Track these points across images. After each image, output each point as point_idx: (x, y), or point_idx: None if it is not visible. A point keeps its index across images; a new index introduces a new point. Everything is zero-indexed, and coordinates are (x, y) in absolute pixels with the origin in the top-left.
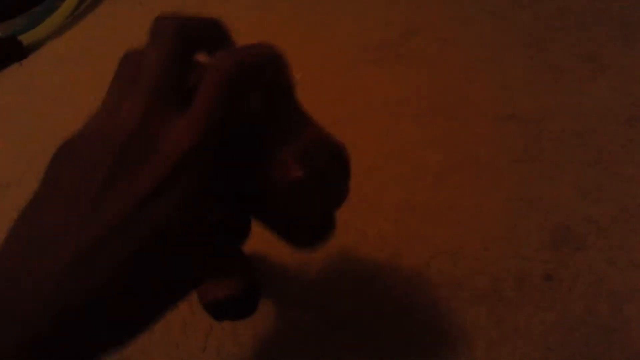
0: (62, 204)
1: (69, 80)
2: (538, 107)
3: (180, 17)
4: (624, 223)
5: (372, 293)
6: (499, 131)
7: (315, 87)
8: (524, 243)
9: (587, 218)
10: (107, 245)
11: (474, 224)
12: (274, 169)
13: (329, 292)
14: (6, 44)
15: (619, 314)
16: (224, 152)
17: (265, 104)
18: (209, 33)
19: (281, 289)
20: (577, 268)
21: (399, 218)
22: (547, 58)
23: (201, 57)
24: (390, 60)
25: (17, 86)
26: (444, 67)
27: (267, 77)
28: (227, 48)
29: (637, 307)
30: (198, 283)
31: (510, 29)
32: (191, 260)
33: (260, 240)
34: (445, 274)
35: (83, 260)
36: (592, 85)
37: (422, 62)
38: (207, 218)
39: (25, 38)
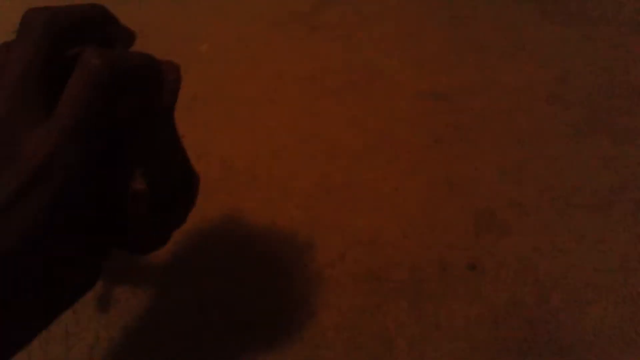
0: None
1: None
2: (459, 84)
3: (50, 9)
4: (548, 206)
5: (282, 289)
6: (418, 109)
7: (223, 61)
8: (445, 229)
9: (511, 201)
10: None
11: (393, 210)
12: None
13: (232, 290)
14: None
15: (546, 304)
16: (91, 159)
17: (134, 114)
18: (86, 23)
19: (180, 284)
20: (501, 256)
21: (312, 204)
22: (468, 33)
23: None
24: (302, 33)
25: None
26: (360, 41)
27: (140, 87)
28: (99, 44)
29: (564, 296)
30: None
31: (430, 2)
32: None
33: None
34: (362, 266)
35: None
36: (513, 61)
37: (336, 36)
38: (67, 229)
39: None
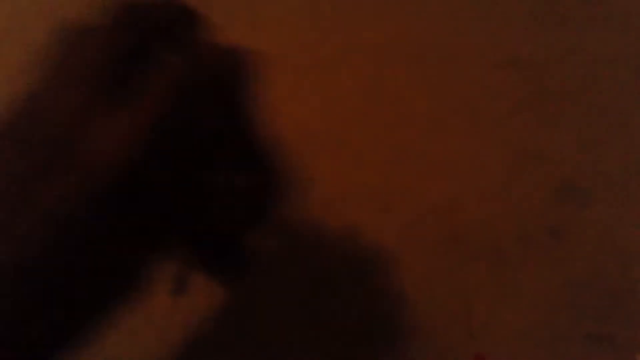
0: None
1: None
2: (540, 53)
3: (141, 2)
4: (633, 177)
5: (358, 250)
6: (497, 78)
7: (295, 27)
8: (526, 197)
9: (594, 172)
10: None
11: (472, 176)
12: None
13: (308, 248)
14: None
15: (628, 273)
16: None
17: (219, 119)
18: (172, 21)
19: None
20: (583, 225)
21: (388, 169)
22: (551, 2)
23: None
24: (373, 1)
25: None
26: (435, 9)
27: (225, 91)
28: (187, 45)
29: None
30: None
31: None
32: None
33: None
34: (440, 229)
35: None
36: (598, 31)
37: (410, 4)
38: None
39: None
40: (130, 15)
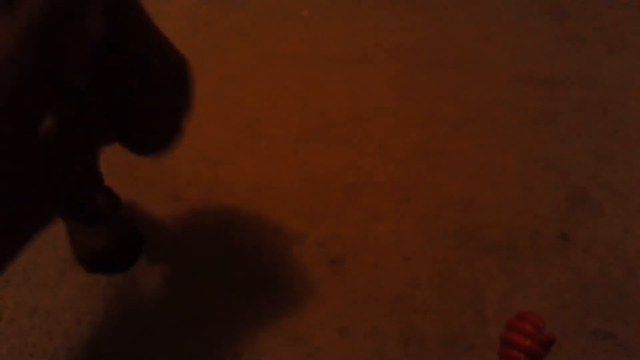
0: None
1: None
2: (556, 73)
3: None
4: None
5: (376, 235)
6: (515, 91)
7: (324, 25)
8: (539, 201)
9: (604, 184)
10: None
11: (489, 178)
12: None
13: (329, 231)
14: None
15: (634, 279)
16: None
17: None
18: None
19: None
20: (593, 232)
21: (410, 163)
22: (568, 28)
23: None
24: (400, 8)
25: None
26: (459, 21)
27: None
28: None
29: None
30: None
31: None
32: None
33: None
34: (456, 223)
35: None
36: (613, 58)
37: (435, 13)
38: (34, 122)
39: None
40: None
